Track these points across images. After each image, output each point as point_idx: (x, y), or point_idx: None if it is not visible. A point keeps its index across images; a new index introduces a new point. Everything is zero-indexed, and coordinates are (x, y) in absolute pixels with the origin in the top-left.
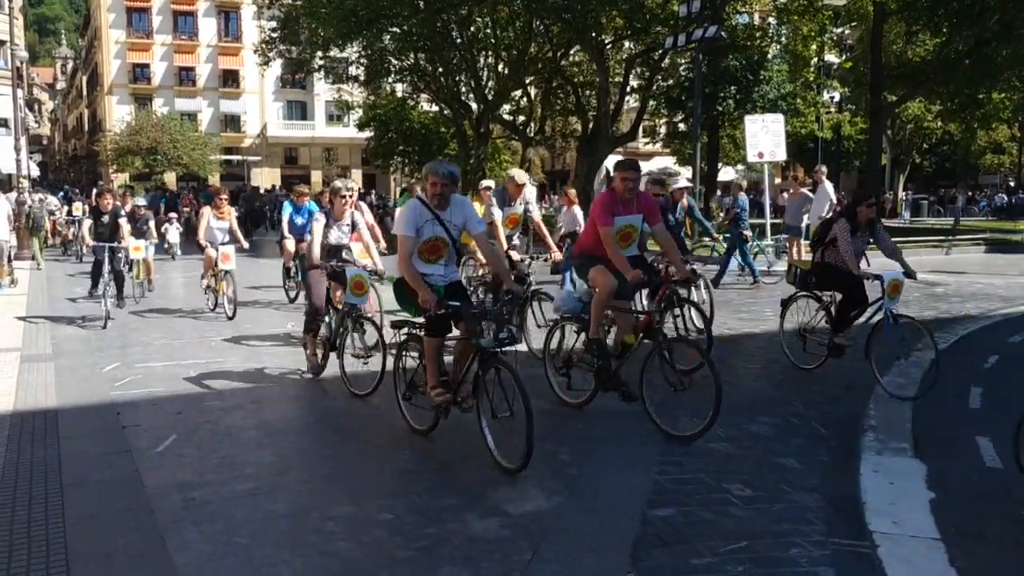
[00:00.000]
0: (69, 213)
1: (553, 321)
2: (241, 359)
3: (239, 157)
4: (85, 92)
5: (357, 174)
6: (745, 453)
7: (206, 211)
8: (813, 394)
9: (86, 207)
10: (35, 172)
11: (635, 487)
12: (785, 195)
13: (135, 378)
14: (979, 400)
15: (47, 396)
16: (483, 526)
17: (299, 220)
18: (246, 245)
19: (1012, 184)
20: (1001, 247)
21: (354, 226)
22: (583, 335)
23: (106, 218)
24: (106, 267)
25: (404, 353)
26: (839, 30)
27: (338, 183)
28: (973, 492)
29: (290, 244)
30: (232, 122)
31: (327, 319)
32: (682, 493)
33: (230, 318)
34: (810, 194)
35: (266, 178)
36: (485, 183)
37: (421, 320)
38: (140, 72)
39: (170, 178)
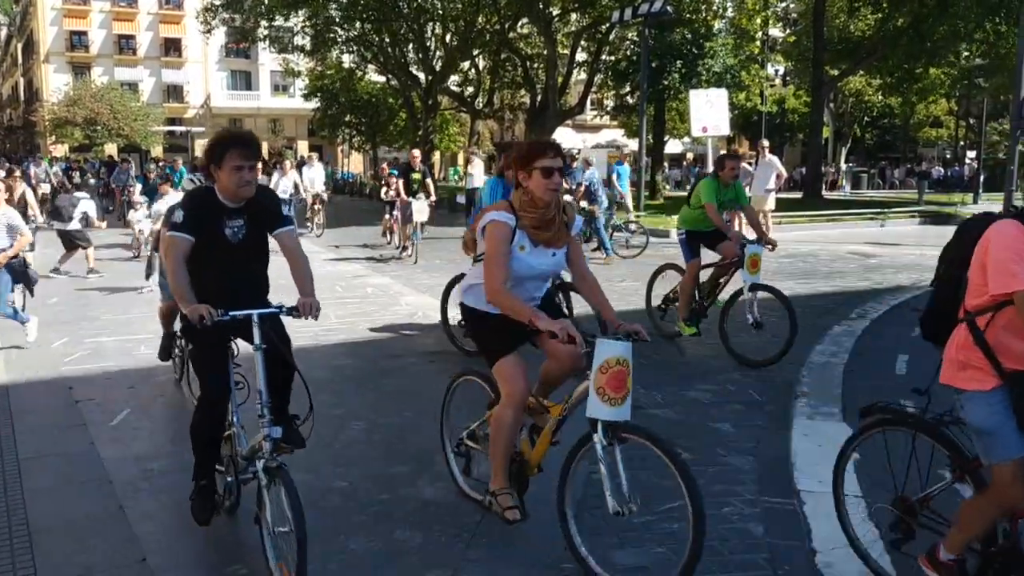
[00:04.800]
0: None
1: None
2: None
3: (182, 128)
4: (20, 60)
5: (303, 145)
6: (684, 419)
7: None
8: None
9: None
10: None
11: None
12: None
13: (85, 353)
14: (905, 367)
15: None
16: (434, 491)
17: None
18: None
19: (948, 156)
20: (934, 219)
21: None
22: None
23: (236, 229)
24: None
25: None
26: (783, 4)
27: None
28: None
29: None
30: (175, 92)
31: None
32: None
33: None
34: (750, 168)
35: None
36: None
37: None
38: (77, 40)
39: (111, 149)
